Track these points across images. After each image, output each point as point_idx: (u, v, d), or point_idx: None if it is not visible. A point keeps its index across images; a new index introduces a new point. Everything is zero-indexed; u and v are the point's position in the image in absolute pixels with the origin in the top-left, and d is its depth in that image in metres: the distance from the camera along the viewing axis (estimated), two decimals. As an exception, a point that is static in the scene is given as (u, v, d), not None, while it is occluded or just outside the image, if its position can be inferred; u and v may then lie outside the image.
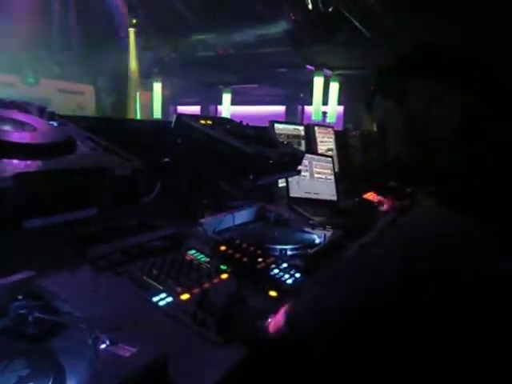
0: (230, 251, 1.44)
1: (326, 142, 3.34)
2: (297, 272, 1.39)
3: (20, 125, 1.02)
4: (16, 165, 0.86)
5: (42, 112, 1.18)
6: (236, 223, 1.83)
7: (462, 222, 0.71)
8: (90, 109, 9.90)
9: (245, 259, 1.40)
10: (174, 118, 1.74)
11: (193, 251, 1.41)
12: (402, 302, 0.68)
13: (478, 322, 0.64)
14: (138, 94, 9.38)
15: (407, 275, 0.68)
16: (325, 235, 1.76)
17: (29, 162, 0.88)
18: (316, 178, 2.62)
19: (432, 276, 0.66)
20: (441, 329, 0.66)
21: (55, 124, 1.16)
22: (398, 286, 0.69)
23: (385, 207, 2.60)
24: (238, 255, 1.42)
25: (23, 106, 1.15)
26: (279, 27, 6.82)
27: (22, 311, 0.89)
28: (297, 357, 0.83)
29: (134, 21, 7.90)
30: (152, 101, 10.20)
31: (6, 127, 0.98)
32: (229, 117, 2.55)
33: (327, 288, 0.84)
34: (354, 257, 0.88)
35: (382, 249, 0.77)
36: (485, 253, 0.67)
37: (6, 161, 0.86)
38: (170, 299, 1.11)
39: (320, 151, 3.15)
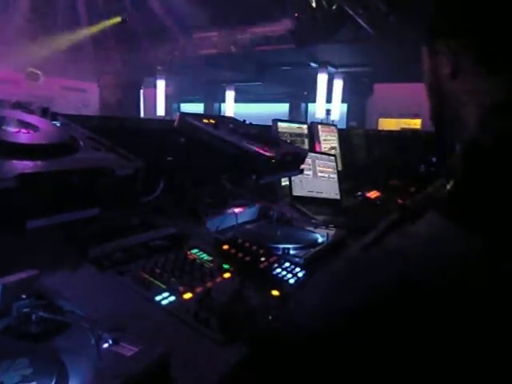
0: (233, 250, 1.44)
1: (329, 140, 3.34)
2: (299, 271, 1.39)
3: (23, 125, 1.02)
4: (19, 165, 0.86)
5: (45, 112, 1.18)
6: (239, 222, 1.83)
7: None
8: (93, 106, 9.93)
9: (247, 258, 1.40)
10: (177, 117, 1.74)
11: (195, 250, 1.42)
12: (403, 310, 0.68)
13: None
14: (141, 91, 9.41)
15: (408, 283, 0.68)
16: (328, 234, 1.76)
17: (32, 163, 0.88)
18: (319, 177, 2.62)
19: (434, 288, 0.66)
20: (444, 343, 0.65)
21: (58, 124, 1.17)
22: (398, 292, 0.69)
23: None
24: (240, 254, 1.42)
25: (26, 107, 1.16)
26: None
27: (25, 310, 0.90)
28: (298, 357, 0.82)
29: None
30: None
31: (10, 128, 0.99)
32: (232, 115, 2.56)
33: (328, 288, 0.84)
34: (354, 258, 0.87)
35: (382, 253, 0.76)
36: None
37: (8, 161, 0.86)
38: (172, 298, 1.11)
39: (323, 150, 3.15)
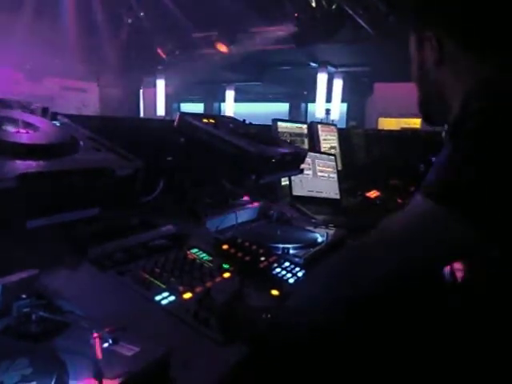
0: (233, 250, 1.44)
1: (329, 139, 3.34)
2: (299, 271, 1.39)
3: (23, 125, 1.02)
4: (19, 165, 0.86)
5: (45, 112, 1.18)
6: (239, 222, 1.83)
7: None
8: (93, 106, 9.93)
9: (247, 258, 1.40)
10: (176, 117, 1.74)
11: (195, 250, 1.42)
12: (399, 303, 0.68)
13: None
14: (141, 91, 9.40)
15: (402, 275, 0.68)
16: (327, 234, 1.76)
17: (32, 163, 0.88)
18: (319, 177, 2.62)
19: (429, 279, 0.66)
20: (438, 332, 0.66)
21: (58, 124, 1.17)
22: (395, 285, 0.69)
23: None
24: (240, 254, 1.42)
25: (26, 106, 1.16)
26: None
27: (25, 310, 0.90)
28: (298, 356, 0.83)
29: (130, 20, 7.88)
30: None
31: (10, 128, 0.99)
32: (232, 115, 2.55)
33: (326, 283, 0.84)
34: (351, 253, 0.87)
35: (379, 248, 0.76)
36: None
37: (9, 161, 0.86)
38: (172, 298, 1.12)
39: (323, 149, 3.15)
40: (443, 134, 0.88)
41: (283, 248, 1.55)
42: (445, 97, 0.88)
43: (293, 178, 2.40)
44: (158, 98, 10.20)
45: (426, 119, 1.00)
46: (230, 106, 11.38)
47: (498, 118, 0.69)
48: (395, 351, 0.70)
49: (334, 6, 6.16)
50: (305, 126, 3.06)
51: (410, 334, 0.69)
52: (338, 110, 9.28)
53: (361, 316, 0.73)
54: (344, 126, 8.99)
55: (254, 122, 2.11)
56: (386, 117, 9.50)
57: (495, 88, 0.76)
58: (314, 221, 2.09)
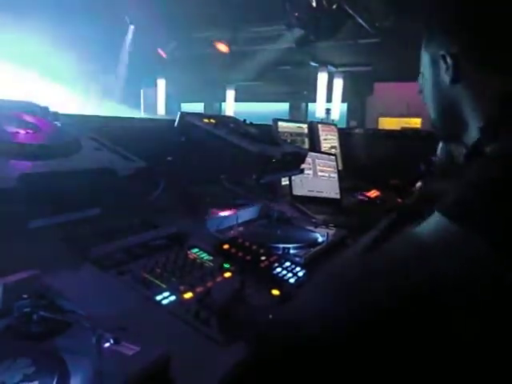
0: (233, 250, 1.44)
1: (329, 139, 3.34)
2: (300, 271, 1.39)
3: (25, 125, 1.02)
4: (20, 166, 0.86)
5: (46, 112, 1.19)
6: (239, 221, 1.83)
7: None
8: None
9: (248, 258, 1.41)
10: (177, 117, 1.74)
11: (196, 250, 1.42)
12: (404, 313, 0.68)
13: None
14: (141, 91, 9.42)
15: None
16: (328, 234, 1.76)
17: (33, 163, 0.89)
18: (319, 176, 2.62)
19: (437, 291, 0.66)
20: (447, 345, 0.66)
21: (59, 124, 1.17)
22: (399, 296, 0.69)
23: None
24: (240, 254, 1.42)
25: (28, 107, 1.16)
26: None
27: (26, 310, 0.90)
28: (299, 356, 0.83)
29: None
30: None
31: (11, 128, 0.99)
32: (232, 114, 2.55)
33: (329, 292, 0.84)
34: (356, 258, 0.87)
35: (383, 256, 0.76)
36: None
37: (10, 162, 0.86)
38: (173, 298, 1.12)
39: (323, 149, 3.15)
40: (460, 157, 0.87)
41: (284, 248, 1.55)
42: (461, 115, 0.87)
43: (293, 177, 2.40)
44: (158, 97, 10.20)
45: (441, 138, 0.99)
46: (231, 106, 11.37)
47: None
48: (396, 356, 0.70)
49: (334, 6, 6.15)
50: (305, 126, 3.06)
51: (416, 345, 0.69)
52: (339, 109, 9.27)
53: (357, 329, 0.73)
54: (344, 125, 8.99)
55: (254, 122, 2.11)
56: (386, 116, 9.50)
57: None
58: (314, 220, 2.09)
